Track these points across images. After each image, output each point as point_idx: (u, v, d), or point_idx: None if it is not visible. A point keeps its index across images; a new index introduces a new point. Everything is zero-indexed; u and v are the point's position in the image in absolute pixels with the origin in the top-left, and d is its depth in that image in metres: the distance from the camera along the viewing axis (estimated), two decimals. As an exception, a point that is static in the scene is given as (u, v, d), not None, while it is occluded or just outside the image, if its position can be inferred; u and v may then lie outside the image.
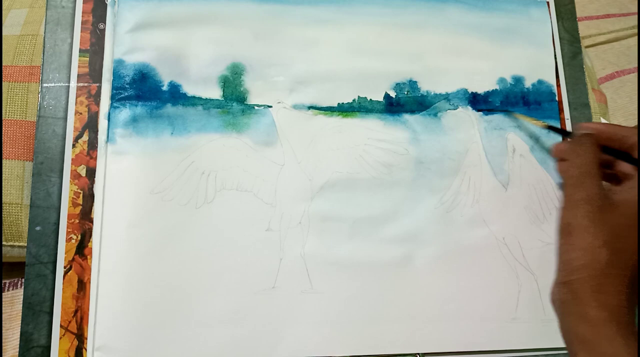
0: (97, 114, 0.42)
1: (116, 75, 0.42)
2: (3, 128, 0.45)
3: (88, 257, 0.40)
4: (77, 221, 0.40)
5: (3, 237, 0.44)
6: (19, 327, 0.39)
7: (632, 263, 0.34)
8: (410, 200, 0.44)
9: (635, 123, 0.62)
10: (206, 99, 0.43)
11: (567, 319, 0.34)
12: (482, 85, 0.47)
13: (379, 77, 0.46)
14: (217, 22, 0.44)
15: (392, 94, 0.45)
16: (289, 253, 0.42)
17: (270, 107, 0.44)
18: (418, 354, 0.42)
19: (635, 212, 0.35)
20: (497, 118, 0.47)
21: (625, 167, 0.39)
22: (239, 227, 0.41)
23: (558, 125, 0.48)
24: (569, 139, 0.41)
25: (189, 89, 0.43)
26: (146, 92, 0.42)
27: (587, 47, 0.67)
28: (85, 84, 0.42)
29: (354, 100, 0.45)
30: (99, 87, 0.42)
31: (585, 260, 0.33)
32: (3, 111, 0.45)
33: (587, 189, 0.36)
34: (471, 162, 0.45)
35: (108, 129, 0.41)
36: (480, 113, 0.46)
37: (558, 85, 0.49)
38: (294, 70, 0.44)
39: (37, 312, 0.39)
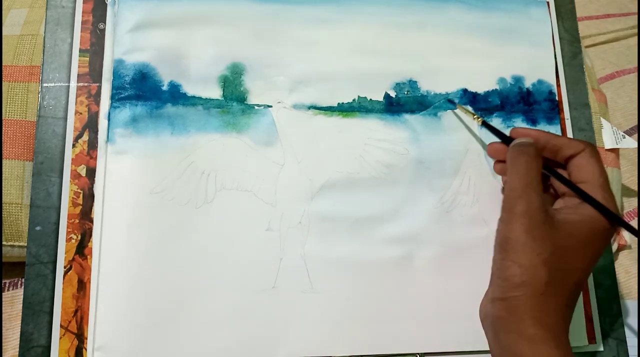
0: (97, 114, 0.42)
1: (116, 75, 0.42)
2: (3, 128, 0.45)
3: (88, 257, 0.40)
4: (77, 220, 0.40)
5: (3, 237, 0.44)
6: (19, 327, 0.39)
7: (573, 282, 0.33)
8: (410, 200, 0.44)
9: (636, 123, 0.62)
10: (206, 98, 0.43)
11: (504, 337, 0.32)
12: (482, 85, 0.47)
13: (379, 77, 0.46)
14: (217, 22, 0.44)
15: (392, 94, 0.45)
16: (289, 253, 0.42)
17: (270, 107, 0.44)
18: (418, 354, 0.41)
19: (582, 235, 0.33)
20: (497, 118, 0.46)
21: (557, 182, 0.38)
22: (239, 227, 0.41)
23: (558, 127, 0.47)
24: (511, 144, 0.38)
25: (189, 89, 0.43)
26: (146, 92, 0.42)
27: (587, 47, 0.67)
28: (85, 84, 0.42)
29: (354, 100, 0.45)
30: (99, 87, 0.42)
31: (524, 277, 0.32)
32: (3, 111, 0.45)
33: (528, 202, 0.34)
34: (471, 162, 0.45)
35: (108, 129, 0.41)
36: (479, 112, 0.46)
37: (558, 85, 0.49)
38: (294, 70, 0.44)
39: (37, 312, 0.39)
